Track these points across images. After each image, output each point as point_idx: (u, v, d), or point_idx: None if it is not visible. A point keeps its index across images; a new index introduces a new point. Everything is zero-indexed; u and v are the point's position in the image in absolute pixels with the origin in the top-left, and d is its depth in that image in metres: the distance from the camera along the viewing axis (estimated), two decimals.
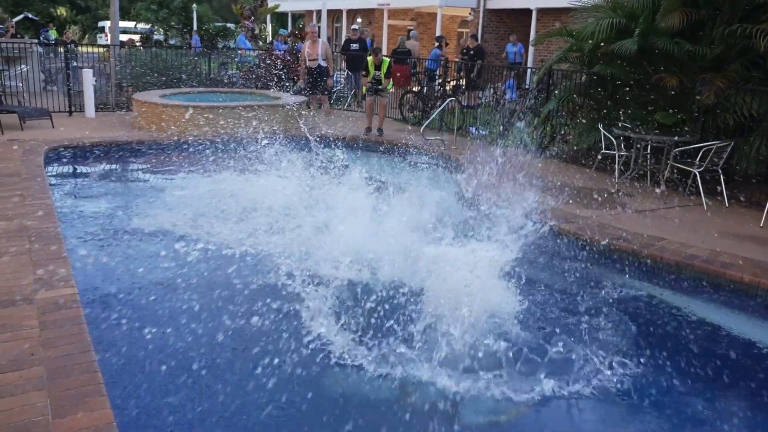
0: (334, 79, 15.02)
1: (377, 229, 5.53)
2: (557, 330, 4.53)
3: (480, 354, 3.97)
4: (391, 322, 4.30)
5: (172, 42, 30.06)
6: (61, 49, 13.65)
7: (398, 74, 15.53)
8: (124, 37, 21.59)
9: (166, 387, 3.70)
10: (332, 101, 14.02)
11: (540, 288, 5.31)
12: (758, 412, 3.85)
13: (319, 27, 15.65)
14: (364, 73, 11.96)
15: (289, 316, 4.49)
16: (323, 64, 11.86)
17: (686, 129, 8.30)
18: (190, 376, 3.79)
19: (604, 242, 6.02)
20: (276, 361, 3.88)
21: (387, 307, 4.42)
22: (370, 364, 3.98)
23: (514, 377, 3.88)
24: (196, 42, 20.85)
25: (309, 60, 11.87)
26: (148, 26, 33.14)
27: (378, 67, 11.46)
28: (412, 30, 20.02)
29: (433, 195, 6.34)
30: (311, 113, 12.34)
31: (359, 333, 4.30)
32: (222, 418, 3.47)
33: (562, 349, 4.21)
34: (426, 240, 5.24)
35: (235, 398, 3.60)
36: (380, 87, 11.55)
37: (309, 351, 4.04)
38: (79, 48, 14.82)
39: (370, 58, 11.79)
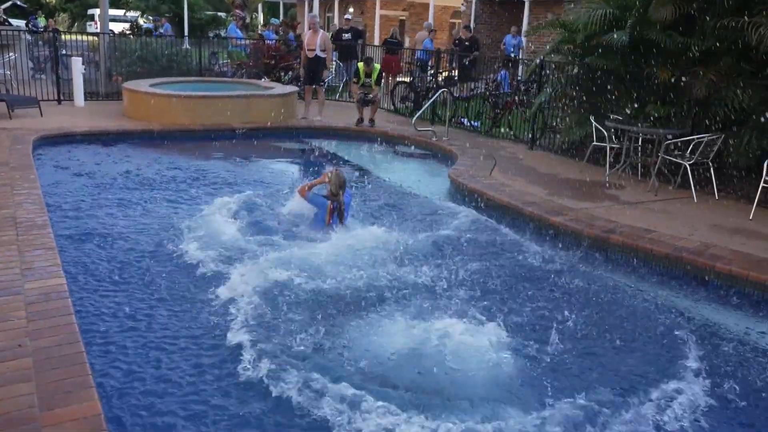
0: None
1: None
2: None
3: None
4: None
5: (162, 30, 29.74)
6: (47, 36, 13.46)
7: (392, 64, 15.50)
8: (113, 26, 21.33)
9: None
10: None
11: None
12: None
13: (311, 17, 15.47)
14: (355, 80, 11.97)
15: None
16: (321, 54, 11.80)
17: (677, 121, 8.31)
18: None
19: (593, 234, 6.03)
20: None
21: None
22: None
23: None
24: (167, 30, 20.62)
25: (307, 50, 11.82)
26: (137, 14, 32.78)
27: (368, 75, 11.51)
28: (426, 22, 19.76)
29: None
30: (306, 103, 12.27)
31: None
32: None
33: None
34: None
35: None
36: (371, 97, 11.59)
37: None
38: (63, 36, 14.57)
39: (361, 65, 11.76)
